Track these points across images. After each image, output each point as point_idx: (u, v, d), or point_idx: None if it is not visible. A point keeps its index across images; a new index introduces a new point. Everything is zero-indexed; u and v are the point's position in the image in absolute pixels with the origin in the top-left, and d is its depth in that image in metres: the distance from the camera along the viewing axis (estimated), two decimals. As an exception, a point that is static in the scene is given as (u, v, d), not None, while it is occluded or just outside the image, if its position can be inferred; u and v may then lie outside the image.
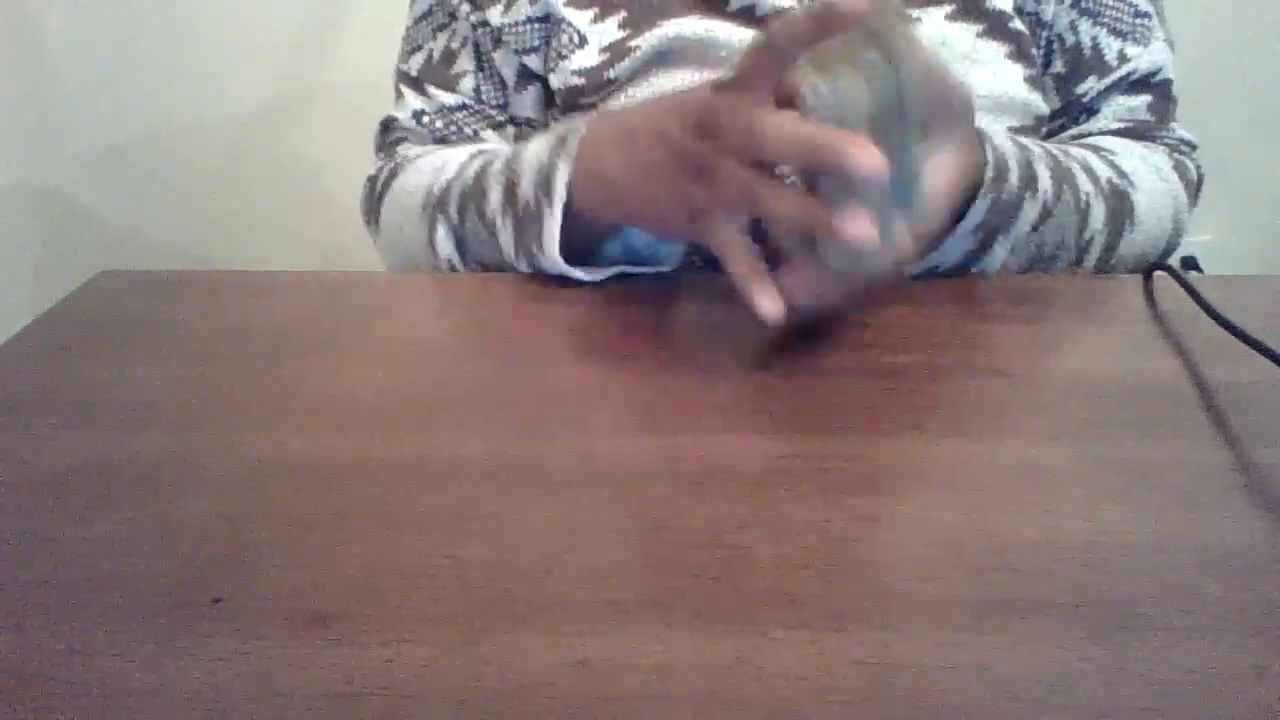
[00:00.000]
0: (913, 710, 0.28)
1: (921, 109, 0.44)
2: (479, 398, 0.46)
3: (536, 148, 0.59)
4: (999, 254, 0.57)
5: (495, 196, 0.60)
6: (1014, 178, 0.55)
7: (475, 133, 0.73)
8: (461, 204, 0.63)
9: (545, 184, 0.57)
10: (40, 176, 1.46)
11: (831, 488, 0.39)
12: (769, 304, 0.48)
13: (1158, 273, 0.56)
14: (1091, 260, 0.61)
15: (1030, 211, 0.56)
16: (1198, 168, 0.71)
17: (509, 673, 0.30)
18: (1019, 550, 0.35)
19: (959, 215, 0.54)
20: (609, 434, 0.42)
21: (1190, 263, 0.76)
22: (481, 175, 0.62)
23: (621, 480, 0.39)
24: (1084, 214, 0.59)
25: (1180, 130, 0.72)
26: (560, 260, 0.56)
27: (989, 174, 0.54)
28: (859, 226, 0.43)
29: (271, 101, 1.47)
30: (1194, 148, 0.72)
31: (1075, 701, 0.29)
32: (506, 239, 0.59)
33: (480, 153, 0.67)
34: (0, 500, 0.38)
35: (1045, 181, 0.57)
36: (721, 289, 0.59)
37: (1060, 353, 0.51)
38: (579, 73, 0.66)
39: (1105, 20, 0.69)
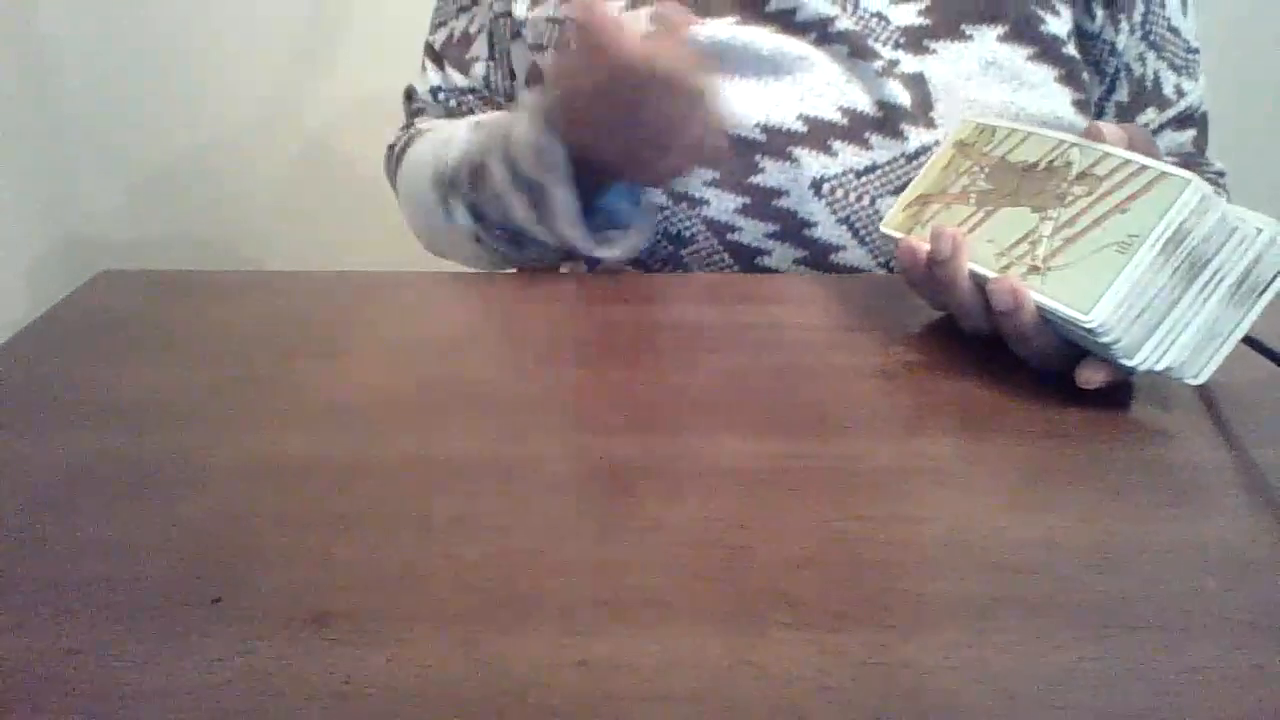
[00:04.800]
0: (913, 710, 0.28)
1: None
2: (479, 398, 0.46)
3: (524, 130, 0.61)
4: None
5: (500, 174, 0.62)
6: None
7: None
8: (472, 182, 0.65)
9: (541, 160, 0.60)
10: (41, 177, 1.46)
11: (831, 488, 0.39)
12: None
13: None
14: None
15: None
16: (1228, 196, 0.74)
17: (509, 673, 0.30)
18: (1019, 550, 0.35)
19: None
20: (608, 434, 0.42)
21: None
22: (485, 154, 0.64)
23: (621, 480, 0.39)
24: None
25: (1216, 161, 0.75)
26: (579, 224, 0.60)
27: None
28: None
29: (273, 104, 1.47)
30: (1223, 175, 0.75)
31: (1075, 701, 0.29)
32: (523, 213, 0.62)
33: (479, 124, 0.68)
34: (0, 500, 0.38)
35: None
36: (721, 289, 0.59)
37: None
38: None
39: (1166, 55, 0.71)
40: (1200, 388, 0.46)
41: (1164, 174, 0.43)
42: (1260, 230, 0.42)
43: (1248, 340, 0.44)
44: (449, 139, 0.68)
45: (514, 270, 0.68)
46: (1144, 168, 0.44)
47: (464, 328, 0.55)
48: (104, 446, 0.42)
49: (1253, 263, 0.42)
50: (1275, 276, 0.43)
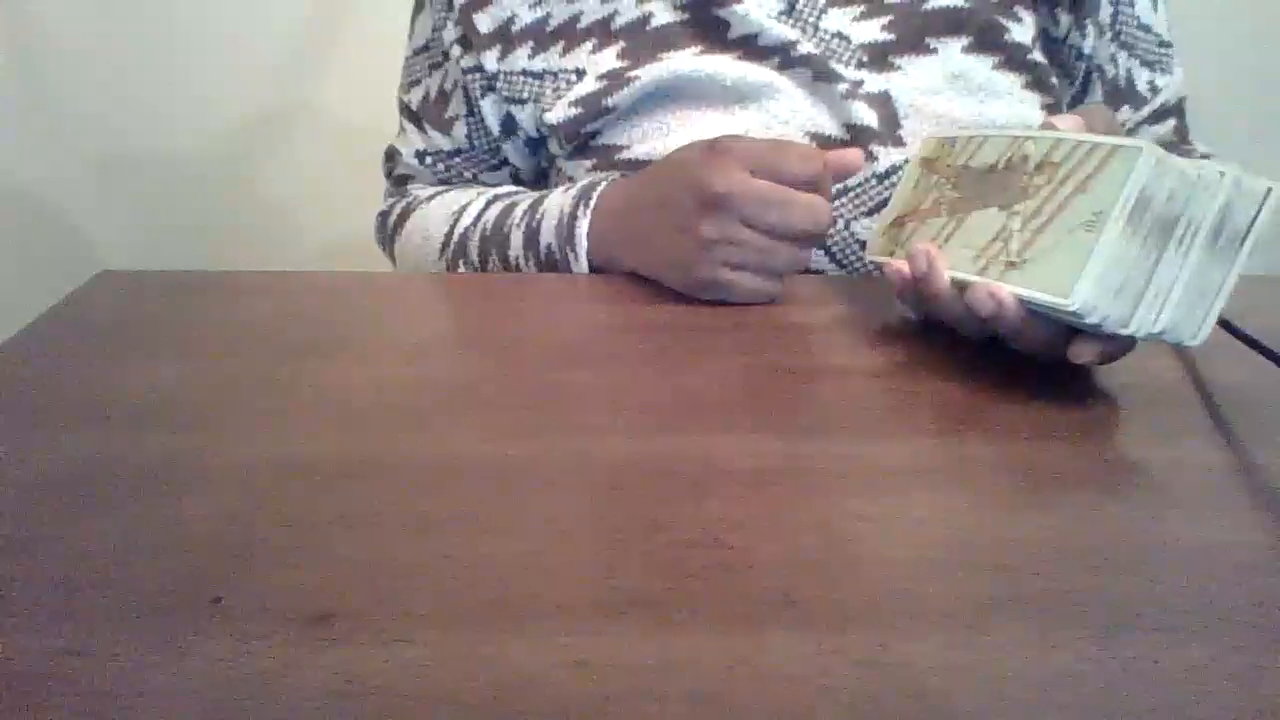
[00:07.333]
0: (913, 710, 0.28)
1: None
2: (479, 398, 0.46)
3: (559, 199, 0.63)
4: None
5: (517, 241, 0.64)
6: None
7: (474, 176, 0.76)
8: (482, 249, 0.66)
9: (568, 235, 0.61)
10: (41, 177, 1.46)
11: (831, 488, 0.39)
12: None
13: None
14: None
15: None
16: None
17: (509, 673, 0.30)
18: (1019, 550, 0.35)
19: None
20: (608, 434, 0.42)
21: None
22: (502, 221, 0.66)
23: (621, 480, 0.39)
24: None
25: (1200, 146, 0.75)
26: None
27: None
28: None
29: (272, 104, 1.47)
30: (1209, 158, 0.75)
31: (1075, 701, 0.29)
32: (532, 269, 0.64)
33: (496, 198, 0.69)
34: (0, 500, 0.38)
35: None
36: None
37: (1060, 353, 0.51)
38: (576, 102, 0.66)
39: (1138, 52, 0.71)
40: (1200, 388, 0.46)
41: (1116, 147, 0.43)
42: (1222, 174, 0.42)
43: (1248, 341, 0.44)
44: (460, 210, 0.70)
45: (513, 271, 0.68)
46: (1096, 145, 0.44)
47: (465, 328, 0.55)
48: (104, 446, 0.42)
49: (1224, 207, 0.42)
50: (1252, 222, 0.42)
